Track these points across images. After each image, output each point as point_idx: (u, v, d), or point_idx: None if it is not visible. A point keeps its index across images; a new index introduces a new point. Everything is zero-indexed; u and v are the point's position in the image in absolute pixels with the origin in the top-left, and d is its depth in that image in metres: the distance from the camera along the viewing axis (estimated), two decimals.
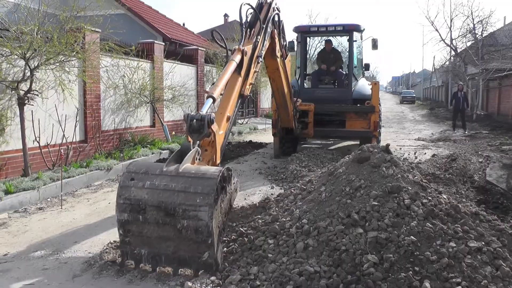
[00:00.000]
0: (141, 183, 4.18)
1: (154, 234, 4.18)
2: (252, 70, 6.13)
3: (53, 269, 4.60)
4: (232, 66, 5.52)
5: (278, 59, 8.18)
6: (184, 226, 4.02)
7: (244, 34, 6.28)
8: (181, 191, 4.05)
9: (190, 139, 4.61)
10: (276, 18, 7.49)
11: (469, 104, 20.56)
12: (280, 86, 8.96)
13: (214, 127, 4.74)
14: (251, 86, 6.12)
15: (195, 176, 4.11)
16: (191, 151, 4.39)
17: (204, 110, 4.72)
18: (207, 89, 5.27)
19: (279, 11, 7.56)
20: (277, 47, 7.91)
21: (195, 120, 4.58)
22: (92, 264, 4.64)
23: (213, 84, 5.26)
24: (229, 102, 5.43)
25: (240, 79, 5.71)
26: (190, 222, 4.00)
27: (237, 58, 5.64)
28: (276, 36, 7.59)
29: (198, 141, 4.58)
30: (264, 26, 6.69)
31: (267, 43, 6.91)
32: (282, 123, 10.60)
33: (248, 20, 6.58)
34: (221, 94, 5.37)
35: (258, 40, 6.40)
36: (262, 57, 6.56)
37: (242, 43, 6.04)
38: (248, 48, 6.06)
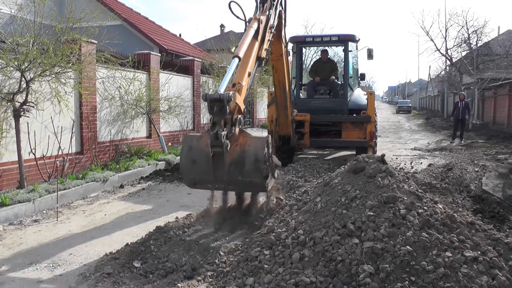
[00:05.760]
0: (204, 186, 5.29)
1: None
2: (266, 38, 6.58)
3: (48, 282, 4.58)
4: (251, 32, 6.01)
5: (283, 45, 8.31)
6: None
7: (257, 7, 6.80)
8: (238, 189, 5.47)
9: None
10: (283, 2, 7.76)
11: (470, 114, 20.56)
12: (282, 79, 8.97)
13: (235, 98, 4.99)
14: (265, 51, 6.61)
15: (244, 183, 4.98)
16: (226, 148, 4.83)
17: (227, 79, 5.07)
18: (232, 50, 5.85)
19: None
20: (283, 31, 8.09)
21: (216, 102, 4.77)
22: (87, 276, 4.61)
23: (236, 46, 5.78)
24: (249, 60, 5.84)
25: (257, 43, 6.16)
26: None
27: (255, 25, 6.14)
28: (283, 17, 7.85)
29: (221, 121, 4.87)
30: (274, 3, 7.10)
31: (276, 20, 7.27)
32: (281, 130, 10.50)
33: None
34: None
35: (270, 13, 6.87)
36: (274, 28, 7.01)
37: (257, 14, 6.56)
38: (263, 18, 6.49)
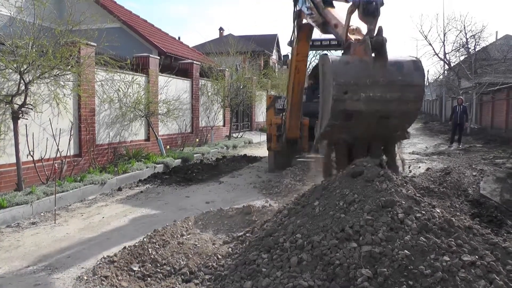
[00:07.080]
0: (356, 96, 4.68)
1: (361, 130, 5.03)
2: None
3: (45, 285, 4.56)
4: None
5: (309, 46, 8.43)
6: (393, 123, 4.97)
7: None
8: (394, 100, 4.72)
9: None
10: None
11: (468, 118, 20.60)
12: (302, 80, 8.97)
13: None
14: None
15: (403, 84, 4.69)
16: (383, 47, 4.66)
17: None
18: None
19: None
20: (312, 31, 8.11)
21: (371, 4, 4.70)
22: (85, 280, 4.59)
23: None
24: None
25: None
26: (399, 121, 4.96)
27: None
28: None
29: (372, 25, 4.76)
30: None
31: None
32: (291, 133, 10.29)
33: None
34: None
35: None
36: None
37: None
38: None
